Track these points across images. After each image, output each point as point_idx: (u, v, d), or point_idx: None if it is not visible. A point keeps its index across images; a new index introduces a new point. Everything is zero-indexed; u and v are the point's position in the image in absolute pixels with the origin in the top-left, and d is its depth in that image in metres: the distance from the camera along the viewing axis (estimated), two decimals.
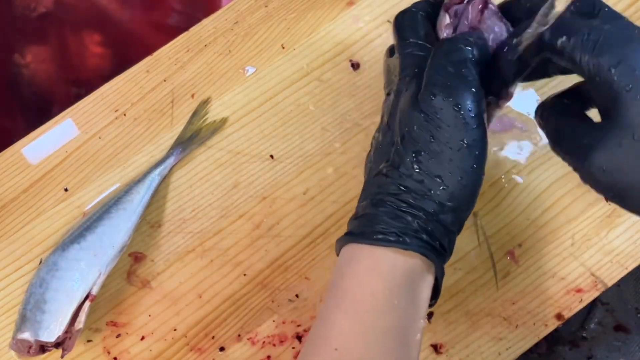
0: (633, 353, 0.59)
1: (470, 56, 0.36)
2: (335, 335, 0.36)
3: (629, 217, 0.52)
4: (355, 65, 0.55)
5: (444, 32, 0.40)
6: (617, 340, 0.60)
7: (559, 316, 0.50)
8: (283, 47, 0.56)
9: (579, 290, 0.51)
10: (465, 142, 0.36)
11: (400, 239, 0.36)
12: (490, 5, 0.41)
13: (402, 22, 0.41)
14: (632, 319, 0.61)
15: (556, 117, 0.37)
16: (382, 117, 0.42)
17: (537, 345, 0.50)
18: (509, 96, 0.39)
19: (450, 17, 0.40)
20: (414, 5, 0.41)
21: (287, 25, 0.57)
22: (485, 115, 0.37)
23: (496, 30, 0.40)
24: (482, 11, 0.40)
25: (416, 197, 0.36)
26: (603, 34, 0.32)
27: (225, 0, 0.59)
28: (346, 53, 0.56)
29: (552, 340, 0.60)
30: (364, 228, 0.37)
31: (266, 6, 0.57)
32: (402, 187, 0.37)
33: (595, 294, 0.51)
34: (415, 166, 0.37)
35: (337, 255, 0.40)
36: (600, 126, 0.34)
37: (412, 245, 0.36)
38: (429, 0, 0.41)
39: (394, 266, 0.36)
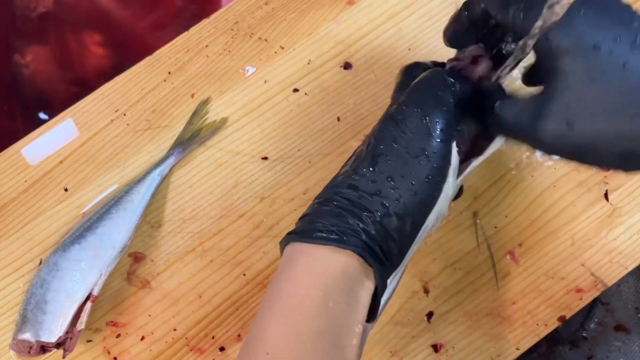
0: (633, 353, 0.59)
1: (450, 85, 0.38)
2: (268, 339, 0.35)
3: (629, 217, 0.52)
4: (347, 66, 0.55)
5: None
6: (617, 340, 0.60)
7: (559, 316, 0.50)
8: (283, 47, 0.56)
9: (579, 290, 0.51)
10: (426, 151, 0.37)
11: (338, 238, 0.36)
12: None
13: (405, 69, 0.44)
14: (632, 319, 0.61)
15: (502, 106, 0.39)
16: None
17: (537, 345, 0.50)
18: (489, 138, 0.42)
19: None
20: (420, 61, 0.45)
21: (287, 25, 0.57)
22: (453, 140, 0.38)
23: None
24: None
25: (363, 195, 0.36)
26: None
27: (225, 0, 0.59)
28: (346, 53, 0.56)
29: (552, 340, 0.60)
30: (305, 226, 0.37)
31: (266, 5, 0.57)
32: (351, 185, 0.37)
33: (595, 294, 0.51)
34: (371, 167, 0.37)
35: (281, 255, 0.39)
36: (541, 97, 0.35)
37: (349, 244, 0.35)
38: (434, 62, 0.44)
39: (330, 266, 0.36)
